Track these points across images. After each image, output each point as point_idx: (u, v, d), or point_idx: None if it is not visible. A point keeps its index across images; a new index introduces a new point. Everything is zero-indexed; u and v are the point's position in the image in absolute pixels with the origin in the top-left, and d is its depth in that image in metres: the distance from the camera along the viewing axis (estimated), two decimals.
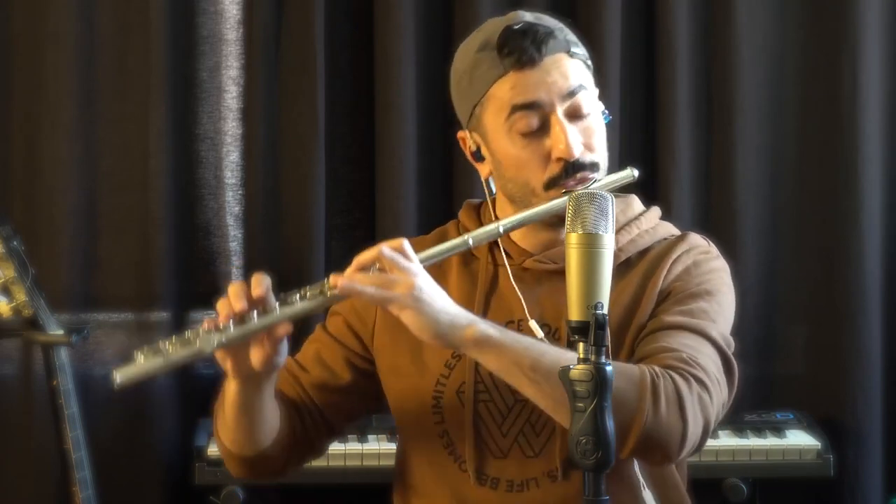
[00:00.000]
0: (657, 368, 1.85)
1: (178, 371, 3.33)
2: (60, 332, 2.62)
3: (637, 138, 3.40)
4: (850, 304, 3.40)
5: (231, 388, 1.96)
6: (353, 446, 3.12)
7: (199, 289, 3.38)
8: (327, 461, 3.08)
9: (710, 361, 1.90)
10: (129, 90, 3.36)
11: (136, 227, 3.36)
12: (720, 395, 1.90)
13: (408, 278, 1.84)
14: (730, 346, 1.97)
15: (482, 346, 1.84)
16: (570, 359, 1.73)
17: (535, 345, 1.86)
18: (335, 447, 3.09)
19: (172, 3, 3.34)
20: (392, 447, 3.07)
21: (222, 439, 2.06)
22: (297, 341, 2.06)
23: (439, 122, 3.39)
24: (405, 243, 1.88)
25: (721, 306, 2.00)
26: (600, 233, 1.69)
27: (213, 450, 3.09)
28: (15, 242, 2.57)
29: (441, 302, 1.85)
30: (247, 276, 3.46)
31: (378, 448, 3.11)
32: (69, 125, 3.32)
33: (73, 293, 3.32)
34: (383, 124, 3.36)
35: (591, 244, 1.69)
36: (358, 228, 3.45)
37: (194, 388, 3.35)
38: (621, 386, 1.74)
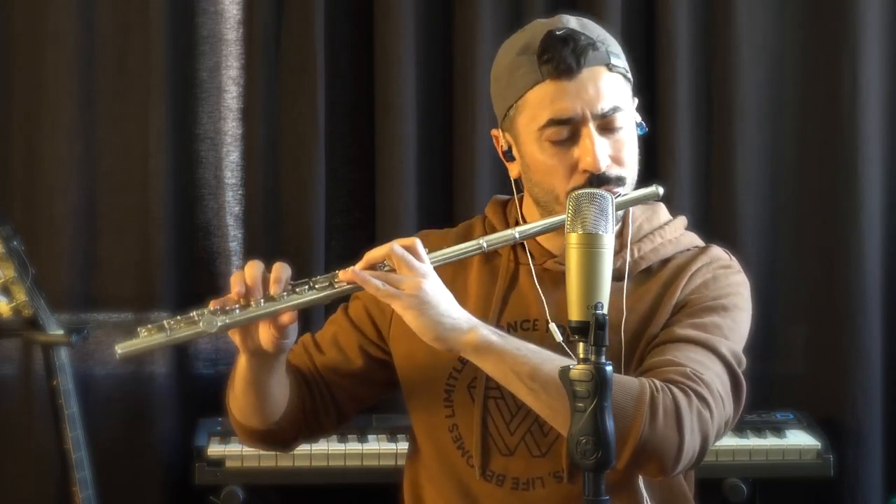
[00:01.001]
0: (657, 382, 1.85)
1: (178, 371, 3.34)
2: (60, 332, 2.62)
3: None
4: (850, 304, 3.39)
5: (241, 363, 1.99)
6: (353, 446, 3.12)
7: (199, 289, 3.38)
8: (327, 461, 3.08)
9: (715, 378, 1.90)
10: (129, 90, 3.36)
11: (136, 227, 3.36)
12: (722, 411, 1.89)
13: (415, 279, 1.85)
14: (740, 363, 1.96)
15: (482, 351, 1.85)
16: None
17: (536, 353, 1.86)
18: (335, 447, 3.10)
19: (172, 3, 3.33)
20: (392, 447, 3.08)
21: (232, 410, 2.09)
22: (304, 328, 2.07)
23: (439, 122, 3.39)
24: (417, 243, 1.90)
25: (735, 323, 1.99)
26: (600, 233, 1.69)
27: (213, 450, 3.09)
28: (15, 242, 2.57)
29: (445, 305, 1.86)
30: None
31: (378, 448, 3.11)
32: (69, 125, 3.32)
33: (73, 293, 3.32)
34: (383, 124, 3.36)
35: (590, 244, 1.69)
36: (358, 228, 3.45)
37: (194, 388, 3.35)
38: (619, 398, 1.75)
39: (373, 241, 3.27)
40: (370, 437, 3.16)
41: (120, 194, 3.38)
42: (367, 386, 2.15)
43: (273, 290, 1.88)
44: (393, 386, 2.16)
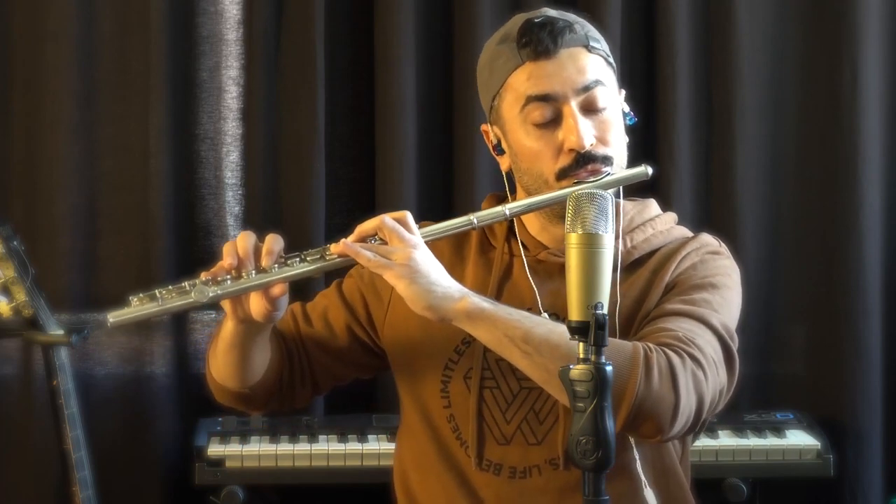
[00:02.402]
0: (651, 344, 1.86)
1: (178, 371, 3.34)
2: (60, 332, 2.62)
3: (637, 139, 3.39)
4: (850, 304, 3.39)
5: (228, 326, 2.00)
6: (353, 446, 3.12)
7: None
8: (327, 461, 3.09)
9: (707, 344, 1.91)
10: (129, 90, 3.36)
11: (136, 227, 3.36)
12: (716, 376, 1.90)
13: (406, 249, 1.87)
14: (732, 337, 1.97)
15: (474, 318, 1.86)
16: (563, 330, 1.72)
17: (528, 317, 1.88)
18: (335, 447, 3.11)
19: (172, 3, 3.34)
20: (392, 447, 3.07)
21: (210, 368, 2.11)
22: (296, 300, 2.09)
23: (439, 122, 3.39)
24: (408, 215, 1.92)
25: (725, 299, 2.00)
26: (600, 233, 1.69)
27: (213, 450, 3.09)
28: (15, 242, 2.57)
29: (436, 275, 1.87)
30: None
31: (378, 448, 3.11)
32: (69, 125, 3.32)
33: (73, 293, 3.32)
34: (383, 124, 3.36)
35: (590, 244, 1.69)
36: None
37: (194, 388, 3.35)
38: (613, 359, 1.74)
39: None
40: (370, 437, 3.16)
41: (120, 194, 3.38)
42: (347, 365, 2.17)
43: (265, 262, 1.90)
44: (371, 370, 2.19)
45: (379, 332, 2.13)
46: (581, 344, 1.64)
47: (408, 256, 1.86)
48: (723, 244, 2.11)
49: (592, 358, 1.62)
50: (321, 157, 3.35)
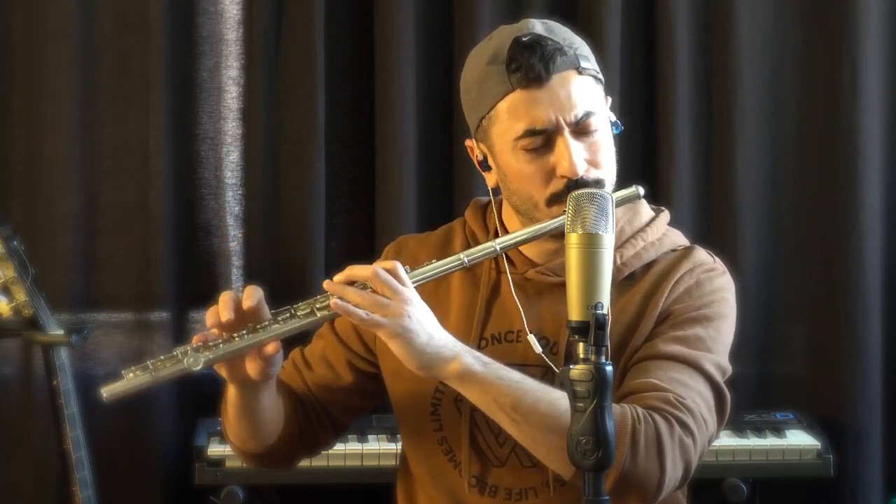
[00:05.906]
0: (639, 410, 1.84)
1: None
2: (60, 332, 2.62)
3: (637, 139, 3.40)
4: (850, 304, 3.39)
5: (231, 392, 1.99)
6: (353, 446, 3.12)
7: (199, 289, 3.38)
8: (327, 461, 3.08)
9: (698, 399, 1.90)
10: (129, 90, 3.36)
11: (136, 227, 3.36)
12: (705, 435, 1.89)
13: (398, 305, 1.84)
14: (724, 374, 1.96)
15: (465, 381, 1.86)
16: (553, 399, 1.73)
17: (519, 383, 1.86)
18: (335, 447, 3.10)
19: (172, 3, 3.33)
20: (392, 447, 3.08)
21: (228, 436, 2.09)
22: (299, 340, 2.06)
23: (439, 122, 3.39)
24: (398, 266, 1.88)
25: (719, 332, 1.98)
26: (600, 233, 1.68)
27: (213, 450, 3.09)
28: (15, 242, 2.58)
29: (429, 332, 1.85)
30: (247, 276, 3.49)
31: (378, 448, 3.11)
32: (69, 125, 3.32)
33: (73, 293, 3.32)
34: (383, 124, 3.36)
35: (591, 244, 1.68)
36: (358, 228, 3.45)
37: (194, 388, 3.35)
38: None
39: (373, 242, 3.30)
40: (370, 437, 3.16)
41: (120, 194, 3.38)
42: (360, 397, 2.15)
43: (246, 304, 1.87)
44: (385, 395, 2.15)
45: (377, 354, 2.12)
46: (581, 344, 1.63)
47: (400, 313, 1.83)
48: (717, 259, 2.07)
49: (592, 358, 1.62)
50: (321, 157, 3.35)
